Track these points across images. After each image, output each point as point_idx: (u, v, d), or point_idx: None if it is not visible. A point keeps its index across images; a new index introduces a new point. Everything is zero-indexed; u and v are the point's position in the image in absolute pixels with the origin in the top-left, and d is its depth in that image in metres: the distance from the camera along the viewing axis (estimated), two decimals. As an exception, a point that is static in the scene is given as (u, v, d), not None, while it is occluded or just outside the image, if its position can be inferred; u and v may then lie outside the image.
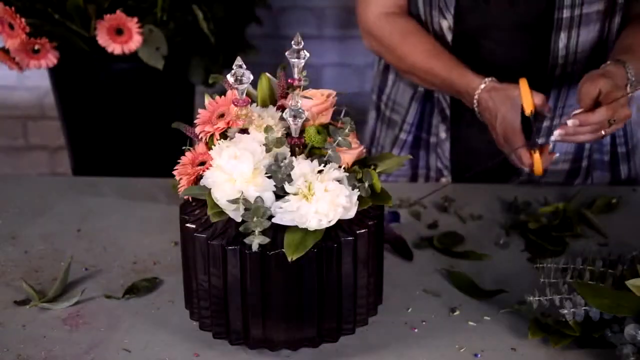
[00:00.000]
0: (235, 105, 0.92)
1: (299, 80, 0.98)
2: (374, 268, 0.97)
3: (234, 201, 0.87)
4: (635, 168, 1.48)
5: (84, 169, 2.08)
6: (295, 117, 0.90)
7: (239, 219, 0.88)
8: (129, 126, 1.97)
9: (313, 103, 0.95)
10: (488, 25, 1.33)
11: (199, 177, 0.93)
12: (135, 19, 1.74)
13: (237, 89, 0.92)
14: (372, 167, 0.97)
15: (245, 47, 2.10)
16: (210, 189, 0.90)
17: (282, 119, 0.95)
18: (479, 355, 0.97)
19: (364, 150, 0.99)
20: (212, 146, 0.92)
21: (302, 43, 0.96)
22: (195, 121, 0.96)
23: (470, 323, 1.04)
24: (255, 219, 0.86)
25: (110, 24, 1.73)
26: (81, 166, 2.11)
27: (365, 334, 1.00)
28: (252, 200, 0.87)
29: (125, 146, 1.98)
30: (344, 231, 0.91)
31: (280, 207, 0.88)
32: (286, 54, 0.96)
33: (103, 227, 1.26)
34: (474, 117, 1.28)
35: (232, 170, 0.88)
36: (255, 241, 0.87)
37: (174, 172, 0.95)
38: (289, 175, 0.88)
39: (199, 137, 0.95)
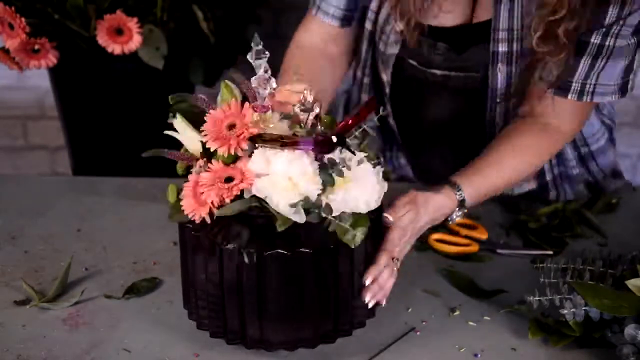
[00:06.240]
0: (255, 111, 0.91)
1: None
2: None
3: (296, 204, 0.85)
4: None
5: (84, 169, 2.08)
6: (305, 111, 0.90)
7: (302, 220, 0.87)
8: (129, 126, 1.97)
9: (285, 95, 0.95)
10: (424, 86, 1.31)
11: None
12: (135, 19, 1.73)
13: (259, 94, 0.91)
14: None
15: (245, 47, 2.10)
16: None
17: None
18: (479, 355, 0.97)
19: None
20: (226, 161, 0.89)
21: (262, 43, 0.95)
22: (205, 139, 0.90)
23: (470, 323, 1.04)
24: (345, 216, 0.87)
25: (110, 24, 1.73)
26: (81, 166, 2.11)
27: (365, 334, 1.00)
28: (313, 198, 0.86)
29: (125, 146, 1.97)
30: None
31: (332, 199, 0.88)
32: (247, 56, 0.95)
33: (103, 227, 1.26)
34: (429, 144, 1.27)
35: (293, 173, 0.87)
36: (358, 235, 0.88)
37: (185, 204, 0.89)
38: (340, 169, 0.89)
39: (224, 152, 0.88)
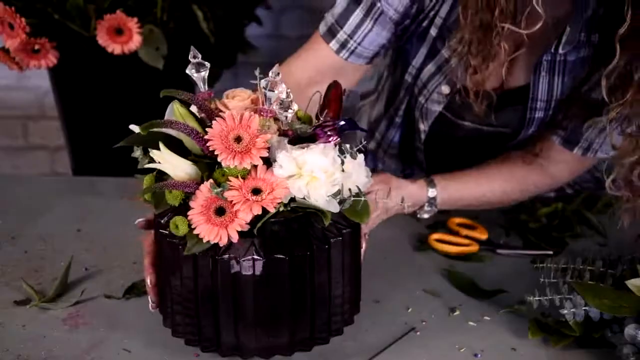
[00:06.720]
0: (261, 115, 0.90)
1: (209, 94, 0.96)
2: (350, 277, 0.94)
3: (335, 195, 0.86)
4: None
5: (84, 169, 2.08)
6: (285, 109, 0.90)
7: (337, 209, 0.87)
8: (129, 126, 1.97)
9: (241, 104, 0.94)
10: (455, 132, 1.33)
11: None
12: (135, 19, 1.74)
13: (267, 96, 0.90)
14: None
15: (245, 47, 2.10)
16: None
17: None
18: (479, 355, 0.97)
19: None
20: (242, 175, 0.87)
21: (200, 56, 0.95)
22: (219, 158, 0.87)
23: (470, 323, 1.04)
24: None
25: (110, 24, 1.73)
26: (81, 166, 2.11)
27: (366, 334, 1.00)
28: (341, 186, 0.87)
29: (125, 146, 1.98)
30: (318, 239, 0.89)
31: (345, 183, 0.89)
32: (186, 71, 0.95)
33: (103, 227, 1.26)
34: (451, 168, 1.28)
35: (327, 165, 0.87)
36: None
37: (202, 231, 0.86)
38: (354, 152, 0.90)
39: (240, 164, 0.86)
